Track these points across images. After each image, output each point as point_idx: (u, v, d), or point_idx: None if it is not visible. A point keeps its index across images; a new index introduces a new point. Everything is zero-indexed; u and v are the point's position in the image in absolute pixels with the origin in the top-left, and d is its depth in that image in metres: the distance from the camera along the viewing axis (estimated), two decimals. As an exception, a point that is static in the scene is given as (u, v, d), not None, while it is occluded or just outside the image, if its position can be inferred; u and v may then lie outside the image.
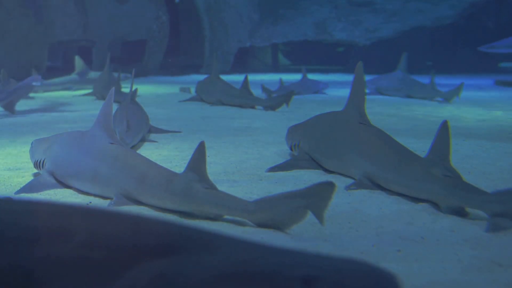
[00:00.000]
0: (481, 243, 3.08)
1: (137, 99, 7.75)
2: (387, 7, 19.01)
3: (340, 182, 4.31)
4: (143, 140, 6.28)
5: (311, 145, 4.95)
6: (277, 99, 9.47)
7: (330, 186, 3.04)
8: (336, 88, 13.33)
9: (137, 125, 6.20)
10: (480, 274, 2.66)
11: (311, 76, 13.89)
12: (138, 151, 5.61)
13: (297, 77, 14.10)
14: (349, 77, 15.33)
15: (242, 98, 9.60)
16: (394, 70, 12.06)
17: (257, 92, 10.67)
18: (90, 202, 3.89)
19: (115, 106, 7.42)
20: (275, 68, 21.62)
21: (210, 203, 3.38)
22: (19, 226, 1.35)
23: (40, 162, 4.40)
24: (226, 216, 3.44)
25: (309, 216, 3.12)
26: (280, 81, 12.60)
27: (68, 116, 8.88)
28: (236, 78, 13.46)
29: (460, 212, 3.55)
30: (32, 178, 4.54)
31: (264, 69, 20.96)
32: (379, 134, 4.45)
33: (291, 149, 5.34)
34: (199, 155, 3.47)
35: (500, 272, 2.69)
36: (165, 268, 1.23)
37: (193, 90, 11.53)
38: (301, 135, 5.17)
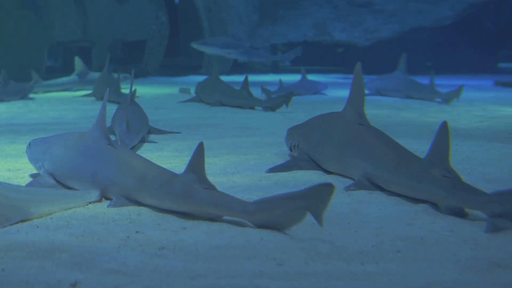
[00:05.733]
0: (481, 243, 3.08)
1: (136, 100, 7.74)
2: (387, 7, 18.99)
3: (339, 182, 4.32)
4: (142, 140, 6.28)
5: (311, 146, 4.95)
6: (277, 99, 9.48)
7: (329, 187, 3.04)
8: (335, 88, 13.33)
9: (136, 125, 6.19)
10: (479, 275, 2.67)
11: (310, 77, 13.88)
12: (137, 152, 5.61)
13: (296, 77, 14.09)
14: (348, 78, 15.31)
15: (242, 99, 9.59)
16: (394, 70, 12.04)
17: (256, 92, 10.66)
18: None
19: (115, 107, 7.45)
20: (275, 68, 21.61)
21: (209, 203, 3.39)
22: None
23: (40, 163, 4.40)
24: (225, 217, 3.44)
25: (309, 216, 3.12)
26: (280, 81, 12.60)
27: (67, 117, 8.87)
28: (235, 79, 13.46)
29: (459, 213, 3.55)
30: (31, 179, 4.54)
31: (264, 70, 20.95)
32: (378, 135, 4.46)
33: (290, 149, 5.34)
34: (199, 155, 3.47)
35: (499, 272, 2.70)
36: None
37: (192, 91, 11.52)
38: (301, 136, 5.17)
